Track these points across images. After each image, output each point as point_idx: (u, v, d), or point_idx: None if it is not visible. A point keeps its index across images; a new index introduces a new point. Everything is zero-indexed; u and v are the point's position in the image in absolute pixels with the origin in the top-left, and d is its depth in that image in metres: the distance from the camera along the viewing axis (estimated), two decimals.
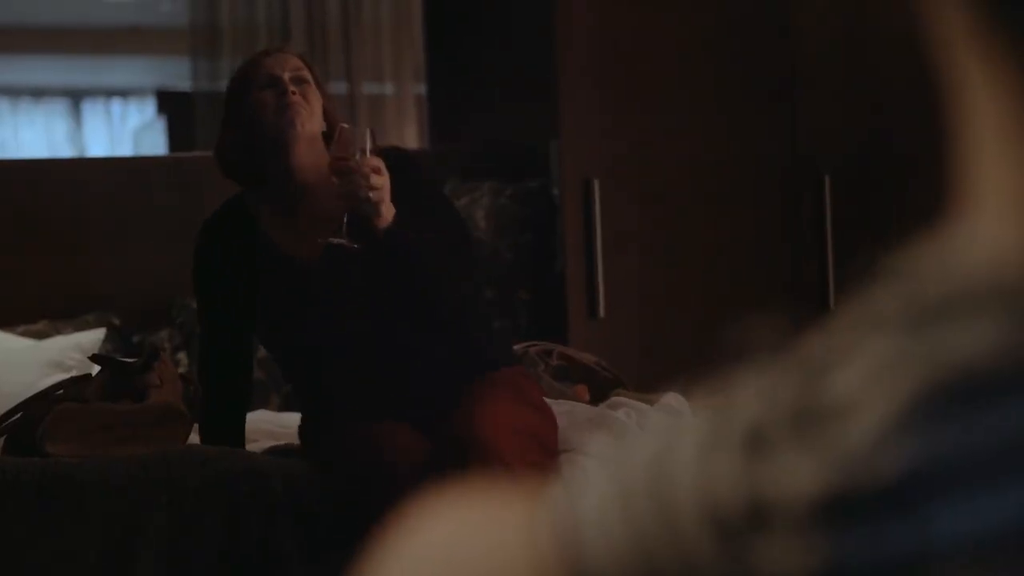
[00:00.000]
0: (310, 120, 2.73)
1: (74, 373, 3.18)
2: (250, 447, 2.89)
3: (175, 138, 7.68)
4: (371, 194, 2.54)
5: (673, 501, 0.47)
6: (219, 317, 2.81)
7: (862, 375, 0.45)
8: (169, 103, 8.13)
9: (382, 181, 2.55)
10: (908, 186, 3.95)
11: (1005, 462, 0.43)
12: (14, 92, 8.41)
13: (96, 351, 3.57)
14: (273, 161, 2.75)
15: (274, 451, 2.86)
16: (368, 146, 2.56)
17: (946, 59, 0.49)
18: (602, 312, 3.98)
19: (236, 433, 2.79)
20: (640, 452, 0.50)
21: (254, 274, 2.76)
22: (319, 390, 2.76)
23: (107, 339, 4.00)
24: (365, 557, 0.60)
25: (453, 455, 2.48)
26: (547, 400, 2.83)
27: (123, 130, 8.71)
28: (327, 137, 2.75)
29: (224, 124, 2.84)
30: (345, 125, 2.63)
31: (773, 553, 0.44)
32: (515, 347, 3.35)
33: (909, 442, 0.43)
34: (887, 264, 0.48)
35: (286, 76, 2.75)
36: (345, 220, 2.58)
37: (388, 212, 2.57)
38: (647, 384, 3.22)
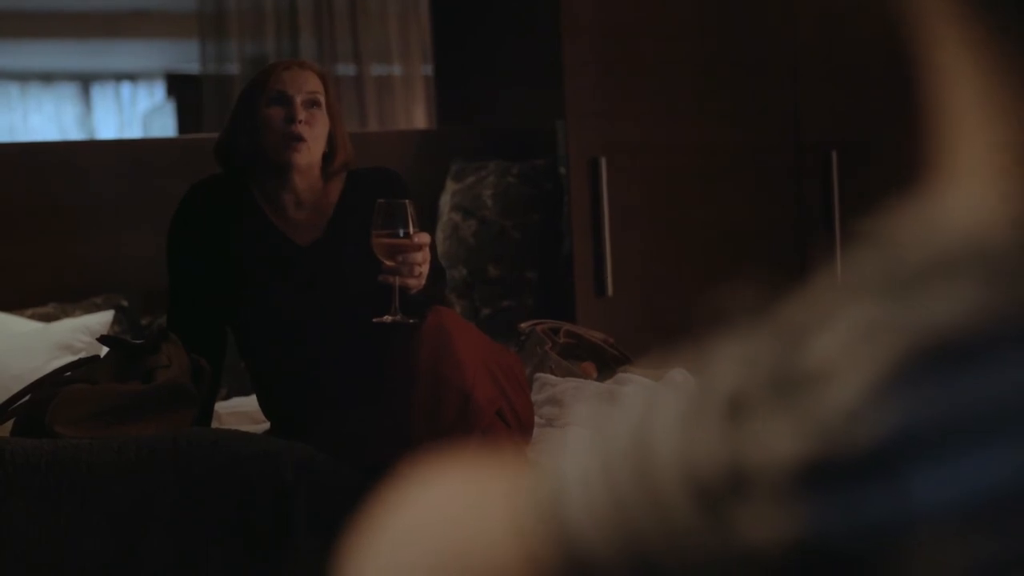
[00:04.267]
0: (310, 152, 2.73)
1: (83, 355, 3.19)
2: (258, 429, 2.90)
3: (184, 121, 7.69)
4: (423, 269, 2.53)
5: (655, 469, 0.47)
6: (195, 284, 2.76)
7: (842, 341, 0.45)
8: (178, 86, 8.13)
9: (428, 255, 2.54)
10: (909, 169, 3.94)
11: (984, 427, 0.43)
12: (24, 77, 8.41)
13: (104, 333, 3.58)
14: (269, 175, 2.77)
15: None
16: (411, 220, 2.51)
17: (929, 39, 0.49)
18: (610, 290, 3.98)
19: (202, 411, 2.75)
20: (622, 421, 0.50)
21: (245, 245, 2.75)
22: (284, 370, 2.76)
23: (115, 321, 4.01)
24: (353, 533, 0.60)
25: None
26: (554, 377, 2.83)
27: (133, 113, 8.72)
28: (327, 157, 2.77)
29: (231, 122, 2.82)
30: (381, 200, 2.56)
31: (754, 519, 0.45)
32: (522, 325, 3.35)
33: (889, 408, 0.43)
34: (866, 231, 0.48)
35: (299, 100, 2.72)
36: (396, 298, 2.53)
37: (424, 279, 2.56)
38: (654, 361, 3.23)
